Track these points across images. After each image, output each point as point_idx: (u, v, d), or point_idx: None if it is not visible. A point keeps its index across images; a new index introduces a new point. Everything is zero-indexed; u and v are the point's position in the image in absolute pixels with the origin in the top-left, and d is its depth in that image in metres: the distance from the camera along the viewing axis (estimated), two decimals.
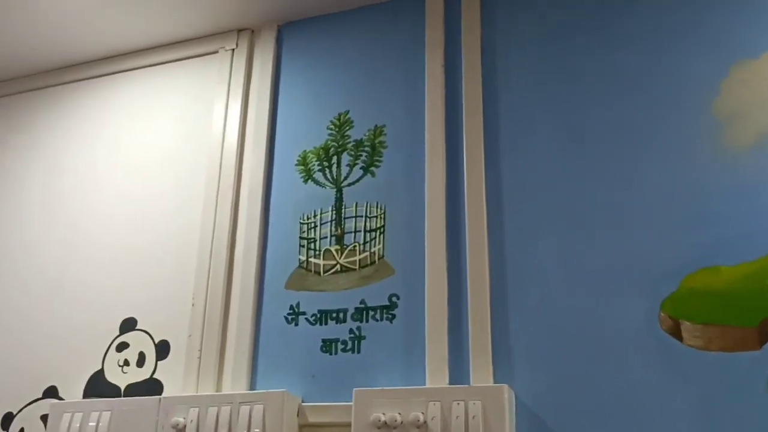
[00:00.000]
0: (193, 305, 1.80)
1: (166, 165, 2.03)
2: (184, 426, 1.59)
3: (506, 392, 1.40)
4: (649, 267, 1.44)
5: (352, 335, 1.65)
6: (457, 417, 1.39)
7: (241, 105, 1.97)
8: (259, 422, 1.54)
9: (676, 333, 1.37)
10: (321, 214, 1.79)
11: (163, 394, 1.72)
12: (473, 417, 1.38)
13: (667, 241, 1.44)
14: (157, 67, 2.14)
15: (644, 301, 1.42)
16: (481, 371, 1.49)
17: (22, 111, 2.26)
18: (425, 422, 1.41)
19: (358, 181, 1.79)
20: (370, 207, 1.75)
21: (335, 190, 1.80)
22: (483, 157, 1.66)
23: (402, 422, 1.43)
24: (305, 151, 1.87)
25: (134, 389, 1.78)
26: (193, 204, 1.92)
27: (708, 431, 1.31)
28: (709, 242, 1.41)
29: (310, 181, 1.84)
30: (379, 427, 1.44)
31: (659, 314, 1.40)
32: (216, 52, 2.05)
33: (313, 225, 1.79)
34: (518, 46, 1.71)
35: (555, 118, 1.64)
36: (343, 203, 1.78)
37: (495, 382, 1.45)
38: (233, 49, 2.03)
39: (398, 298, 1.64)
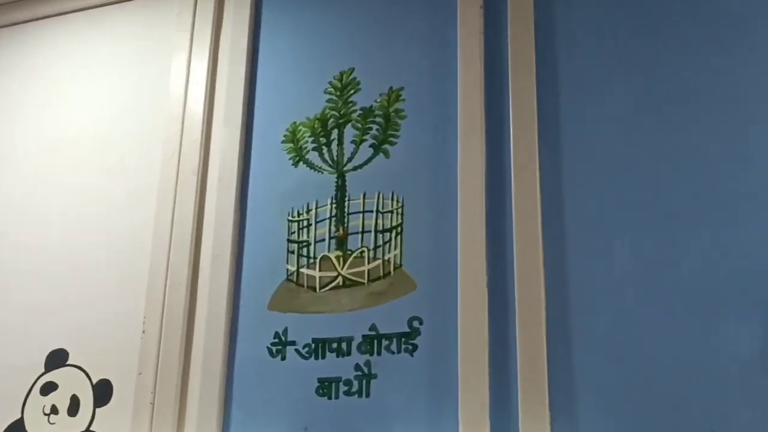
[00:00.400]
0: (143, 333, 1.80)
1: (108, 142, 2.03)
2: None
3: None
4: (760, 279, 1.43)
5: (358, 373, 1.64)
6: None
7: (209, 61, 1.97)
8: None
9: None
10: (317, 208, 1.79)
11: None
12: None
13: None
14: (98, 9, 2.16)
15: (758, 325, 1.42)
16: (534, 421, 1.48)
17: None
18: None
19: (366, 163, 1.79)
20: (383, 199, 1.75)
21: (336, 175, 1.80)
22: (536, 132, 1.65)
23: None
24: (295, 123, 1.87)
25: None
26: (145, 196, 1.93)
27: None
28: None
29: (301, 163, 1.84)
30: None
31: None
32: None
33: (305, 224, 1.79)
34: None
35: (632, 79, 1.63)
36: (347, 194, 1.78)
37: None
38: None
39: (421, 323, 1.63)
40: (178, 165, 1.92)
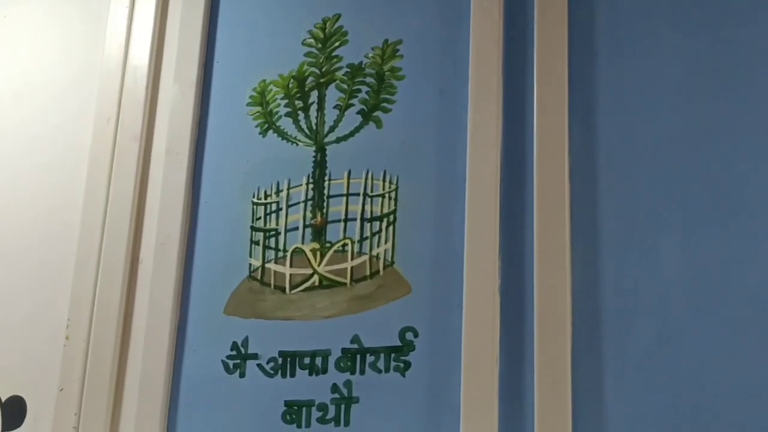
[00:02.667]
0: (67, 339, 1.82)
1: (27, 101, 2.05)
2: None
3: None
4: None
5: (336, 396, 1.66)
6: None
7: (157, 1, 2.01)
8: None
9: None
10: (289, 189, 1.81)
11: None
12: None
13: None
14: None
15: None
16: None
17: None
18: None
19: (353, 134, 1.81)
20: (373, 179, 1.77)
21: (314, 148, 1.82)
22: (566, 100, 1.67)
23: None
24: (264, 81, 1.89)
25: None
26: (73, 168, 1.95)
27: None
28: None
29: (271, 132, 1.86)
30: None
31: None
32: None
33: (274, 207, 1.81)
34: None
35: (685, 37, 1.65)
36: (327, 172, 1.80)
37: None
38: None
39: (416, 335, 1.65)
40: (116, 131, 1.94)
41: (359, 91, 1.82)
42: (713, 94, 1.61)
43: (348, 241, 1.74)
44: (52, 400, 1.79)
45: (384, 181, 1.76)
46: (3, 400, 1.84)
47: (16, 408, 1.83)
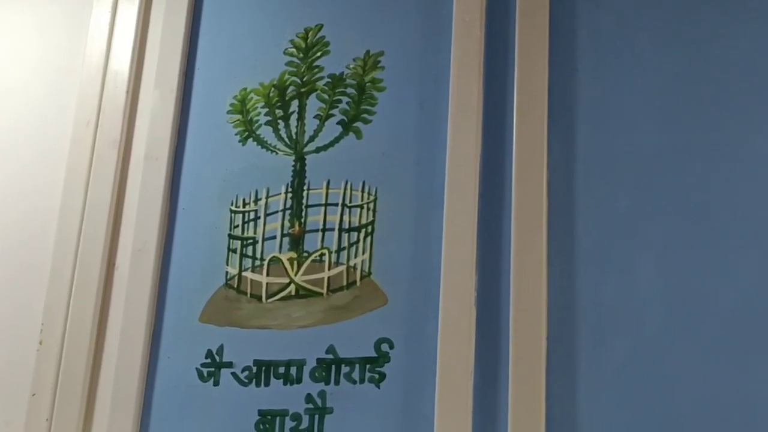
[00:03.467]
0: (40, 344, 1.83)
1: (6, 105, 2.06)
2: None
3: None
4: None
5: (310, 406, 1.66)
6: None
7: (140, 6, 2.01)
8: None
9: None
10: (268, 198, 1.82)
11: None
12: None
13: None
14: None
15: None
16: None
17: None
18: None
19: (333, 144, 1.82)
20: (352, 190, 1.78)
21: (294, 158, 1.83)
22: (545, 115, 1.68)
23: None
24: (245, 89, 1.90)
25: None
26: (50, 173, 1.96)
27: None
28: None
29: (251, 140, 1.87)
30: None
31: None
32: None
33: (252, 216, 1.82)
34: None
35: (664, 54, 1.66)
36: (306, 181, 1.81)
37: None
38: None
39: (391, 347, 1.66)
40: (95, 136, 1.94)
41: (340, 101, 1.83)
42: (691, 111, 1.62)
43: (325, 251, 1.75)
44: (23, 406, 1.79)
45: (363, 191, 1.77)
46: None
47: None
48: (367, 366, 1.66)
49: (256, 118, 1.88)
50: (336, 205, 1.77)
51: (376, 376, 1.65)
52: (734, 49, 1.62)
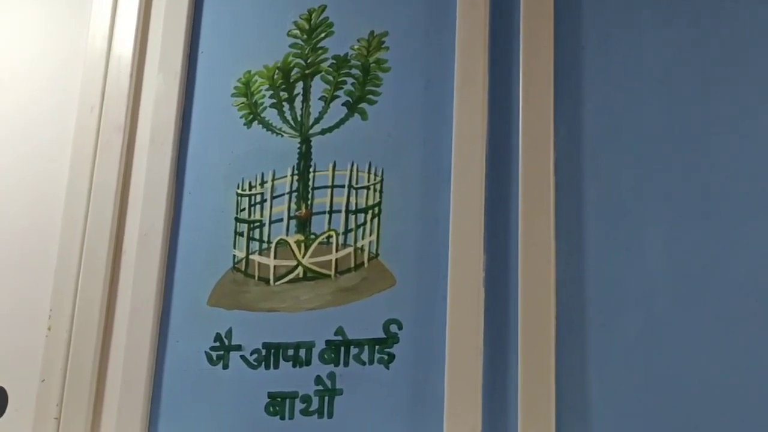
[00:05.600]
0: (49, 330, 1.84)
1: (9, 90, 2.08)
2: None
3: None
4: None
5: (320, 388, 1.68)
6: None
7: None
8: None
9: None
10: (274, 180, 1.83)
11: None
12: None
13: None
14: None
15: None
16: None
17: None
18: None
19: (338, 125, 1.82)
20: (358, 171, 1.78)
21: (299, 140, 1.83)
22: (552, 91, 1.68)
23: None
24: (249, 72, 1.91)
25: None
26: (55, 158, 1.97)
27: None
28: None
29: (256, 123, 1.88)
30: None
31: None
32: None
33: (259, 199, 1.83)
34: None
35: (672, 27, 1.66)
36: (312, 163, 1.81)
37: None
38: None
39: (400, 328, 1.67)
40: (99, 120, 1.95)
41: (345, 82, 1.84)
42: (699, 88, 1.62)
43: (333, 233, 1.76)
44: (34, 391, 1.81)
45: (369, 173, 1.78)
46: None
47: None
48: (376, 347, 1.67)
49: (260, 101, 1.88)
50: (342, 186, 1.78)
51: (386, 357, 1.66)
52: (739, 24, 1.62)
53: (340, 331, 1.70)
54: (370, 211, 1.75)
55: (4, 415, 1.82)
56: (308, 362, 1.70)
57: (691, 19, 1.65)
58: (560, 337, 1.57)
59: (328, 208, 1.78)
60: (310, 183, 1.80)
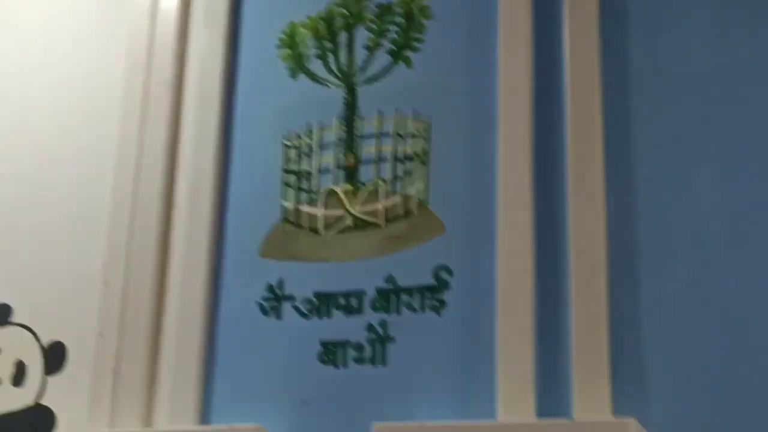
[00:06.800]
0: (105, 285, 1.86)
1: (58, 46, 2.10)
2: None
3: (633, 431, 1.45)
4: None
5: (372, 335, 1.70)
6: None
7: None
8: None
9: None
10: (321, 131, 1.84)
11: (56, 431, 1.81)
12: None
13: None
14: None
15: None
16: (590, 398, 1.53)
17: None
18: None
19: (383, 74, 1.83)
20: (404, 120, 1.79)
21: (345, 89, 1.85)
22: (597, 33, 1.68)
23: None
24: (293, 23, 1.92)
25: (7, 423, 1.87)
26: (105, 114, 1.99)
27: None
28: None
29: (301, 74, 1.89)
30: None
31: None
32: None
33: (306, 150, 1.84)
34: None
35: None
36: (358, 112, 1.83)
37: (615, 415, 1.51)
38: None
39: (450, 274, 1.68)
40: (147, 77, 1.97)
41: (388, 30, 1.85)
42: (745, 25, 1.63)
43: (380, 182, 1.78)
44: (91, 345, 1.84)
45: (416, 120, 1.79)
46: (45, 344, 1.90)
47: (58, 352, 1.88)
48: (427, 294, 1.69)
49: (305, 52, 1.90)
50: (389, 135, 1.80)
51: (437, 304, 1.68)
52: None
53: (390, 279, 1.72)
54: (418, 159, 1.76)
55: (63, 369, 1.87)
56: (360, 310, 1.73)
57: None
58: (613, 281, 1.58)
59: (375, 157, 1.80)
60: (357, 132, 1.82)
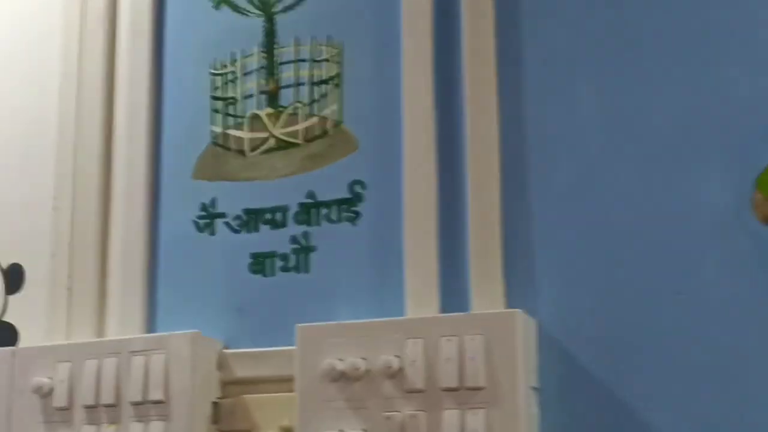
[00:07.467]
0: (54, 209, 1.95)
1: None
2: (51, 389, 1.76)
3: (522, 321, 1.52)
4: (741, 122, 1.55)
5: (295, 246, 1.77)
6: (447, 359, 1.55)
7: None
8: (160, 379, 1.71)
9: None
10: (243, 59, 1.88)
11: (19, 344, 1.90)
12: (472, 358, 1.54)
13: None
14: None
15: (731, 176, 1.54)
16: (486, 293, 1.61)
17: None
18: (401, 369, 1.57)
19: (299, 3, 1.86)
20: (319, 45, 1.82)
21: (264, 18, 1.89)
22: None
23: (368, 371, 1.60)
24: None
25: None
26: (45, 47, 2.05)
27: None
28: None
29: (223, 4, 1.93)
30: (334, 380, 1.61)
31: (753, 196, 1.52)
32: None
33: (231, 77, 1.89)
34: None
35: None
36: (276, 40, 1.86)
37: (507, 307, 1.59)
38: None
39: (364, 187, 1.75)
40: (84, 12, 2.02)
41: None
42: None
43: (299, 104, 1.83)
44: (46, 266, 1.93)
45: (329, 46, 1.84)
46: (4, 267, 1.99)
47: (15, 274, 1.97)
48: (343, 206, 1.77)
49: None
50: (306, 60, 1.84)
51: (352, 215, 1.76)
52: None
53: (311, 194, 1.79)
54: (331, 82, 1.82)
55: (22, 289, 1.96)
56: (284, 224, 1.80)
57: None
58: (505, 185, 1.67)
59: (294, 82, 1.85)
60: (276, 59, 1.87)
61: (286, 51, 1.87)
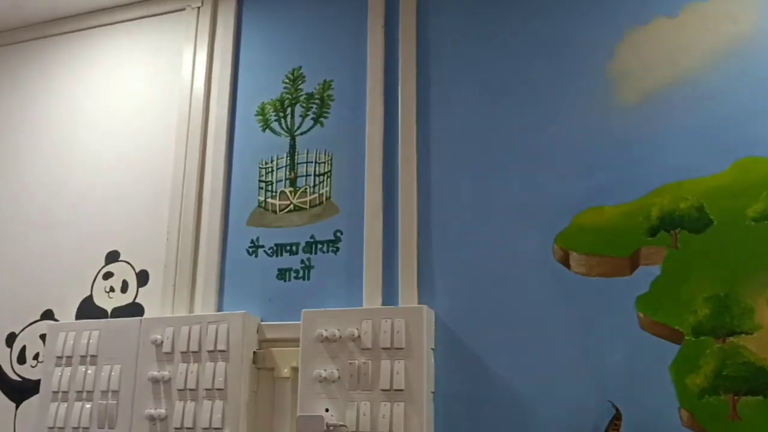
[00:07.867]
0: (167, 239, 1.96)
1: (142, 112, 2.14)
2: (161, 342, 1.82)
3: (425, 312, 1.59)
4: (547, 206, 1.63)
5: (303, 265, 1.80)
6: (385, 332, 1.62)
7: (207, 58, 2.08)
8: (224, 339, 1.76)
9: (566, 262, 1.58)
10: (277, 159, 1.91)
11: (144, 316, 1.91)
12: (398, 332, 1.61)
13: (564, 184, 1.62)
14: (133, 22, 2.25)
15: (541, 235, 1.62)
16: (407, 294, 1.67)
17: (8, 62, 2.39)
18: (359, 336, 1.64)
19: (309, 130, 1.90)
20: (319, 154, 1.87)
21: (289, 138, 1.92)
22: (415, 108, 1.77)
23: (340, 336, 1.67)
24: (263, 102, 1.98)
25: (119, 312, 1.95)
26: (166, 148, 2.06)
27: (588, 339, 1.54)
28: (596, 185, 1.59)
29: (267, 130, 1.95)
30: (321, 341, 1.68)
31: (553, 246, 1.61)
32: (183, 9, 2.17)
33: (270, 169, 1.91)
34: (449, 12, 1.81)
35: (479, 74, 1.74)
36: (296, 150, 1.89)
37: (419, 303, 1.64)
38: (198, 7, 2.14)
39: (342, 234, 1.78)
40: (188, 129, 2.02)
41: (312, 107, 1.91)
42: (496, 107, 1.70)
43: (308, 186, 1.85)
44: (161, 271, 1.91)
45: (325, 154, 1.87)
46: (137, 271, 1.99)
47: (143, 275, 1.96)
48: (330, 244, 1.79)
49: (269, 117, 1.95)
50: (312, 162, 1.87)
51: (335, 249, 1.79)
52: (523, 74, 1.71)
53: (312, 236, 1.82)
54: (326, 175, 1.85)
55: (148, 284, 1.97)
56: (297, 252, 1.81)
57: (493, 69, 1.73)
58: (420, 235, 1.70)
59: (305, 173, 1.87)
60: (296, 160, 1.88)
61: (301, 156, 1.89)
